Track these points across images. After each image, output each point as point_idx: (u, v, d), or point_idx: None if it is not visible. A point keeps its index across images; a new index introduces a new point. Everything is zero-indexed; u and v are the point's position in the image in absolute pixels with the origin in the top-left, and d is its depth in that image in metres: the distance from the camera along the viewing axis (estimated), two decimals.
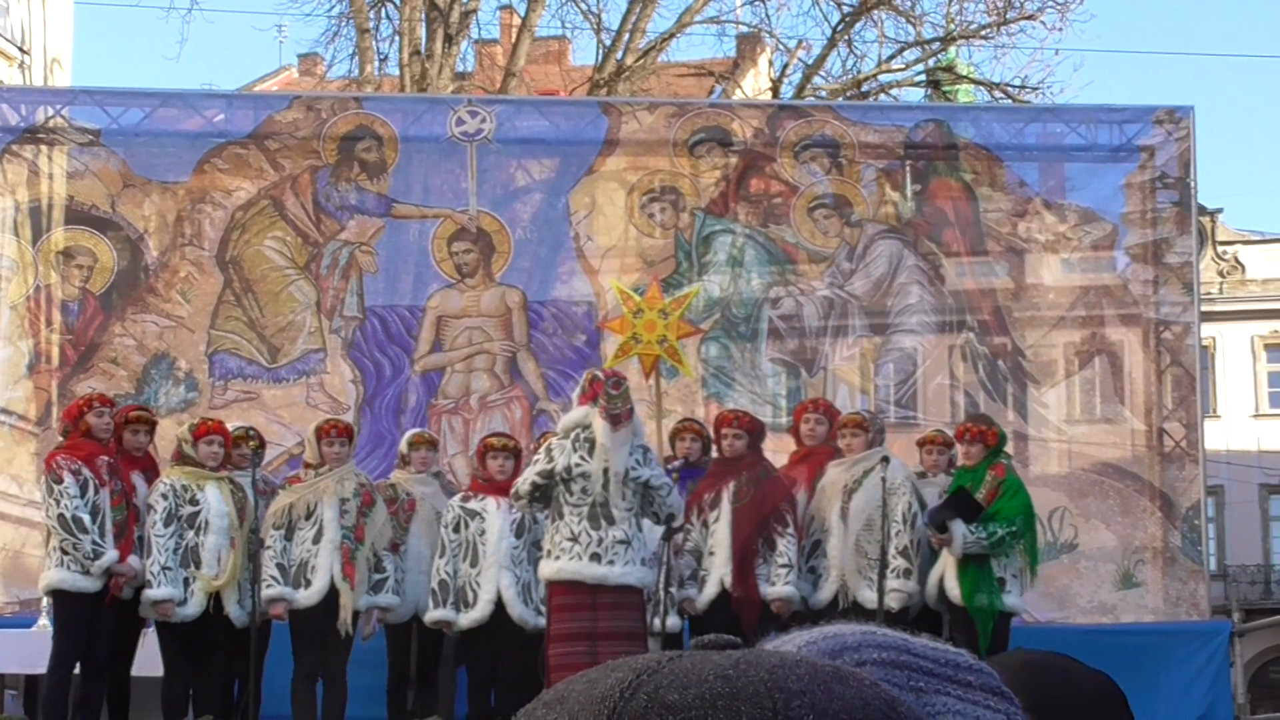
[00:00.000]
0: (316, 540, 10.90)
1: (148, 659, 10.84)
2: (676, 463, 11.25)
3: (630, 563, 9.97)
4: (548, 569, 10.05)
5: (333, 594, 10.81)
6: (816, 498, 11.23)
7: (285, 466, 13.49)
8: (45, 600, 11.48)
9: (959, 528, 10.79)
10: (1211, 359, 37.89)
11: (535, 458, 10.24)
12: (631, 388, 14.44)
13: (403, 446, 12.10)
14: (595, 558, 9.88)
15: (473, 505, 11.28)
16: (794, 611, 10.98)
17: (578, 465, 9.91)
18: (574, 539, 9.90)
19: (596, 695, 1.01)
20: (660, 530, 10.67)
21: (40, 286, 15.11)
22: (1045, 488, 14.56)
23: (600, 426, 9.87)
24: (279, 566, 10.85)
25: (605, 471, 9.88)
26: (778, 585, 11.00)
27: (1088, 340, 15.44)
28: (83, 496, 10.64)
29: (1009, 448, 12.18)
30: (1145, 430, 15.18)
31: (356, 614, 10.92)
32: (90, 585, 10.58)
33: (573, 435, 10.01)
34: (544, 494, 10.07)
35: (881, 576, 10.87)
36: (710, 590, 11.12)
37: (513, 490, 10.28)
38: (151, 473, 11.25)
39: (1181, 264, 15.47)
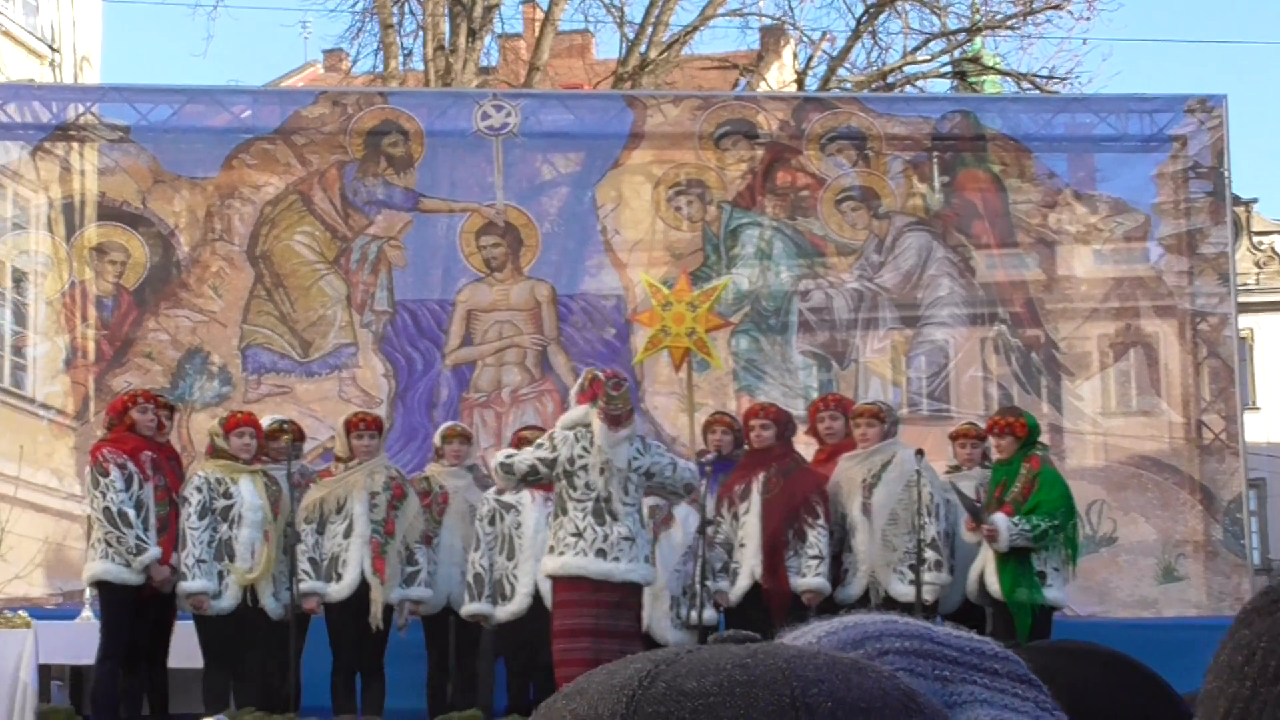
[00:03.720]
0: (347, 534, 10.93)
1: (188, 651, 10.87)
2: (709, 456, 11.24)
3: (635, 559, 9.93)
4: (551, 564, 9.98)
5: (364, 588, 10.85)
6: (831, 491, 11.20)
7: (319, 460, 13.50)
8: (88, 592, 11.55)
9: (1003, 521, 10.71)
10: (1249, 350, 37.66)
11: (539, 442, 10.16)
12: (662, 381, 14.56)
13: (436, 440, 12.12)
14: (601, 554, 9.83)
15: (508, 498, 11.28)
16: (822, 606, 10.95)
17: (580, 457, 9.87)
18: (579, 534, 9.85)
19: (615, 685, 1.02)
20: (694, 522, 10.67)
21: (75, 282, 15.17)
22: (1082, 481, 14.48)
23: (599, 429, 9.83)
24: (311, 561, 10.89)
25: (605, 467, 9.86)
26: (808, 576, 10.99)
27: (1122, 332, 15.41)
28: (127, 490, 10.68)
29: (1045, 439, 12.12)
30: (1183, 423, 15.14)
31: (389, 607, 10.93)
32: (133, 577, 10.63)
33: (575, 430, 9.98)
34: (536, 479, 10.07)
35: (917, 570, 10.85)
36: (742, 583, 11.11)
37: (504, 460, 10.14)
38: (175, 461, 11.29)
39: (1217, 254, 15.42)
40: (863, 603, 10.90)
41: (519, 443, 11.64)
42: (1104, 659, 1.82)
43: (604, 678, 1.04)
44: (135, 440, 10.84)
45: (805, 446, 11.86)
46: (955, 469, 11.63)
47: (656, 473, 10.08)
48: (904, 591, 10.92)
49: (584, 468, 9.86)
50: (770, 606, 10.83)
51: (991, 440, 11.34)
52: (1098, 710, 1.71)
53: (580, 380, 10.36)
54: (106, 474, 10.64)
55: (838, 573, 11.19)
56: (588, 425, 9.92)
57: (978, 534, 10.89)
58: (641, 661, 1.03)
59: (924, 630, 1.16)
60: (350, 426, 11.29)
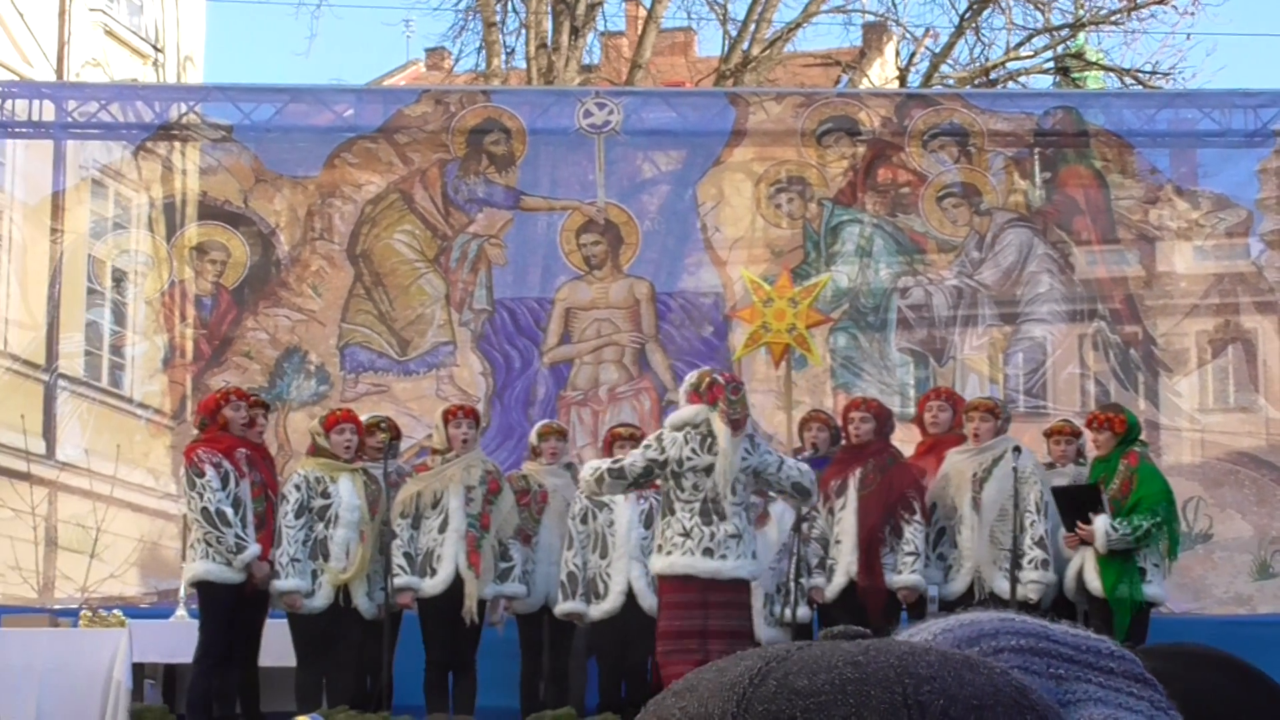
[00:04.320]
0: (442, 529, 10.96)
1: (281, 649, 10.95)
2: (805, 453, 11.22)
3: (742, 556, 9.94)
4: (659, 563, 10.03)
5: (458, 583, 10.86)
6: (940, 485, 11.12)
7: (415, 458, 13.59)
8: (184, 591, 11.64)
9: (1102, 524, 10.61)
10: None
11: (647, 443, 10.17)
12: (759, 378, 14.53)
13: (532, 438, 12.09)
14: (708, 553, 9.83)
15: (601, 497, 11.28)
16: (926, 602, 10.90)
17: (689, 459, 9.86)
18: (686, 534, 9.85)
19: (726, 682, 1.01)
20: (790, 519, 10.64)
21: (175, 282, 15.32)
22: (1179, 477, 14.30)
23: (723, 431, 9.82)
24: (406, 556, 10.92)
25: (715, 468, 9.84)
26: (904, 573, 10.92)
27: (1221, 328, 15.26)
28: (224, 489, 10.76)
29: (1142, 435, 12.00)
30: None
31: (483, 603, 10.96)
32: (234, 577, 10.71)
33: (684, 431, 9.94)
34: (649, 479, 10.09)
35: (1016, 567, 10.76)
36: (838, 580, 11.03)
37: (611, 466, 10.10)
38: (268, 460, 11.39)
39: None
40: (966, 599, 10.85)
41: (611, 439, 11.67)
42: (1224, 664, 1.78)
43: (714, 675, 1.03)
44: (229, 439, 10.92)
45: (905, 444, 11.81)
46: (1049, 465, 11.53)
47: (763, 470, 10.05)
48: (1008, 588, 10.84)
49: (693, 469, 9.87)
50: (866, 604, 10.78)
51: (1089, 435, 11.24)
52: (1217, 717, 1.69)
53: (693, 380, 10.25)
54: (203, 474, 10.72)
55: (942, 568, 11.13)
56: (697, 426, 9.90)
57: (1076, 549, 10.80)
58: (752, 659, 1.03)
59: (1040, 628, 1.16)
60: (448, 416, 11.33)
